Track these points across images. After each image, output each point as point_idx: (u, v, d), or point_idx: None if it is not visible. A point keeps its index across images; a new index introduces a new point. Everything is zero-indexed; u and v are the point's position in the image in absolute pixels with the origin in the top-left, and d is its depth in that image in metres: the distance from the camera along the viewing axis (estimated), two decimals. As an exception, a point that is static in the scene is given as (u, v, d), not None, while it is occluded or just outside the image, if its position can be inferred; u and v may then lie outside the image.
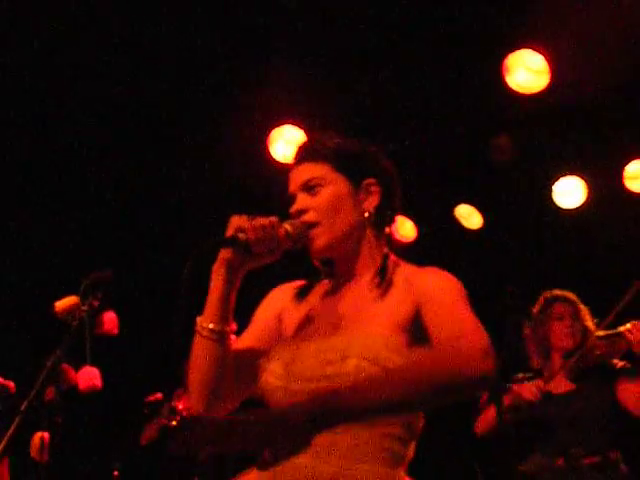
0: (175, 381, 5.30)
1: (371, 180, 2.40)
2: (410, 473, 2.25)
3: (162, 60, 5.68)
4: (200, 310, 2.32)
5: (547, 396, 4.73)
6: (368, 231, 2.39)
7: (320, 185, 2.36)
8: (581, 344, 4.77)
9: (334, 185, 2.37)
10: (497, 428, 4.63)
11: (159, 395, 5.80)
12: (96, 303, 3.09)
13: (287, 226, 2.31)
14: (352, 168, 2.39)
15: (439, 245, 6.24)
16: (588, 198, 6.36)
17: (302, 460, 2.16)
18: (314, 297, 2.45)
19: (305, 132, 6.13)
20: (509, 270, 6.17)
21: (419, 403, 2.11)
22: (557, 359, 4.83)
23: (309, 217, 2.35)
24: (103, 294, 3.10)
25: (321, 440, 2.14)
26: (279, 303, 2.47)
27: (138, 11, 5.43)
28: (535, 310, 4.94)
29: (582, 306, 4.88)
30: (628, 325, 4.66)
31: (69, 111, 5.90)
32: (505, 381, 4.69)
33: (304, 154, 2.43)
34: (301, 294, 2.46)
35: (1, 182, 6.08)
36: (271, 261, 2.33)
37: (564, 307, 4.87)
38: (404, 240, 6.42)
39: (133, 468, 5.95)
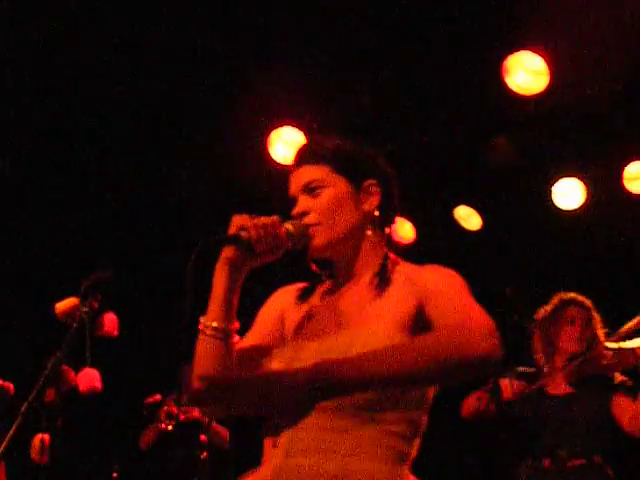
0: (173, 384, 5.32)
1: (371, 181, 2.41)
2: (414, 471, 2.26)
3: (162, 60, 5.68)
4: (203, 310, 2.33)
5: (540, 396, 4.75)
6: (368, 231, 2.40)
7: (321, 187, 2.38)
8: (586, 351, 4.76)
9: (334, 187, 2.38)
10: (482, 415, 4.67)
11: (158, 397, 5.81)
12: (96, 305, 3.08)
13: (288, 225, 2.33)
14: (352, 169, 2.40)
15: (438, 246, 6.23)
16: (587, 199, 6.35)
17: (306, 459, 2.18)
18: (316, 298, 2.47)
19: (304, 133, 6.13)
20: (508, 271, 6.17)
21: (423, 378, 2.10)
22: (559, 361, 4.83)
23: (311, 219, 2.36)
24: (103, 296, 3.10)
25: (325, 438, 2.17)
26: (281, 304, 2.49)
27: (138, 11, 5.43)
28: (548, 309, 4.93)
29: (595, 314, 4.86)
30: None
31: (69, 111, 5.90)
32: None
33: (304, 156, 2.45)
34: (303, 295, 2.48)
35: (1, 182, 6.07)
36: (273, 260, 2.35)
37: (578, 311, 4.86)
38: (403, 241, 6.43)
39: (132, 469, 5.96)
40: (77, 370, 3.21)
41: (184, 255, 2.23)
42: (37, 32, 5.45)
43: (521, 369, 4.85)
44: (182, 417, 5.72)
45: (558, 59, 5.58)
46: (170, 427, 5.69)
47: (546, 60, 5.58)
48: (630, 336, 4.68)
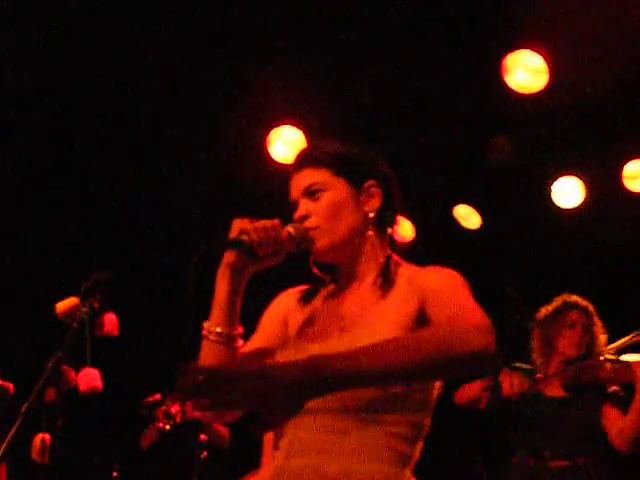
0: (173, 384, 5.30)
1: (372, 182, 2.41)
2: (416, 474, 2.25)
3: (162, 60, 5.69)
4: (205, 314, 2.33)
5: (536, 396, 4.76)
6: (370, 233, 2.40)
7: (321, 190, 2.38)
8: (583, 356, 4.77)
9: (335, 189, 2.38)
10: (475, 405, 4.68)
11: (158, 396, 5.81)
12: (96, 305, 3.09)
13: (290, 229, 2.33)
14: (352, 172, 2.40)
15: (437, 245, 6.23)
16: (587, 198, 6.35)
17: (307, 459, 2.18)
18: (319, 300, 2.47)
19: (304, 133, 6.14)
20: (508, 270, 6.17)
21: (416, 373, 2.02)
22: (556, 363, 4.83)
23: (312, 222, 2.36)
24: (103, 296, 3.11)
25: (326, 439, 2.17)
26: (285, 307, 2.49)
27: (138, 11, 5.43)
28: (550, 309, 4.94)
29: (597, 319, 4.86)
30: (639, 360, 4.65)
31: (69, 111, 5.90)
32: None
33: (304, 160, 2.45)
34: (306, 298, 2.48)
35: (1, 182, 6.08)
36: (274, 264, 2.35)
37: (579, 316, 4.85)
38: (402, 240, 6.43)
39: (132, 469, 5.96)
40: (77, 370, 3.21)
41: (184, 255, 2.23)
42: (37, 32, 5.45)
43: (518, 364, 4.86)
44: (178, 419, 5.72)
45: (557, 58, 5.58)
46: (168, 427, 5.68)
47: (545, 59, 5.59)
48: (625, 350, 4.70)
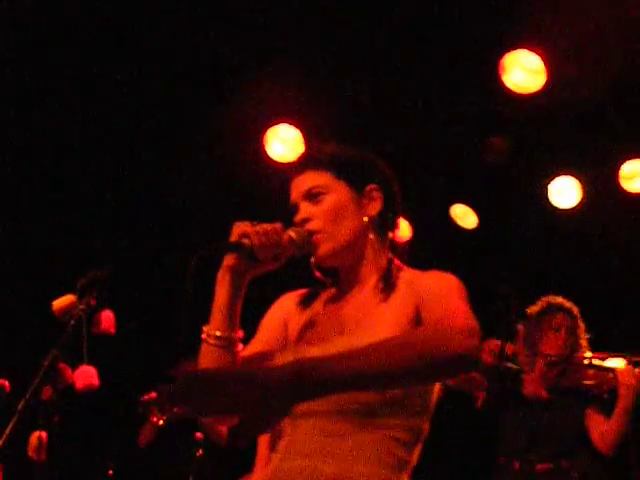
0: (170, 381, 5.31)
1: (373, 186, 2.41)
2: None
3: (162, 60, 5.70)
4: (204, 317, 2.33)
5: (520, 398, 4.78)
6: (372, 236, 2.39)
7: (322, 193, 2.37)
8: (566, 357, 4.79)
9: (336, 192, 2.38)
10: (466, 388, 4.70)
11: (154, 394, 5.80)
12: (93, 302, 3.09)
13: (291, 233, 2.32)
14: (353, 175, 2.40)
15: (434, 245, 6.22)
16: (584, 198, 6.34)
17: (304, 461, 2.18)
18: (319, 304, 2.46)
19: (301, 131, 6.15)
20: (504, 270, 6.18)
21: (395, 377, 1.96)
22: (540, 365, 4.85)
23: (313, 225, 2.35)
24: (100, 293, 3.12)
25: (324, 442, 2.17)
26: (285, 310, 2.48)
27: (138, 11, 5.44)
28: (534, 311, 4.95)
29: (581, 322, 4.89)
30: (622, 366, 4.67)
31: (69, 111, 5.91)
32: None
33: (304, 163, 2.44)
34: (306, 301, 2.47)
35: (1, 182, 6.09)
36: (275, 268, 2.34)
37: (564, 319, 4.87)
38: (399, 240, 6.41)
39: (128, 467, 5.97)
40: (74, 367, 3.21)
41: (182, 253, 2.23)
42: (37, 32, 5.47)
43: (507, 365, 4.87)
44: (171, 413, 5.69)
45: (555, 58, 5.58)
46: (161, 422, 5.68)
47: (543, 59, 5.59)
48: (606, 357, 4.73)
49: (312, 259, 2.39)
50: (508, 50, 5.62)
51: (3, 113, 5.78)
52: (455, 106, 5.91)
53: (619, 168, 6.19)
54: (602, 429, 4.63)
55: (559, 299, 4.93)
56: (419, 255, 2.56)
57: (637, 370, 4.64)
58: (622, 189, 6.21)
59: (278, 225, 2.30)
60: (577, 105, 5.81)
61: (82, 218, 6.38)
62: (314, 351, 2.23)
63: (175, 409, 5.54)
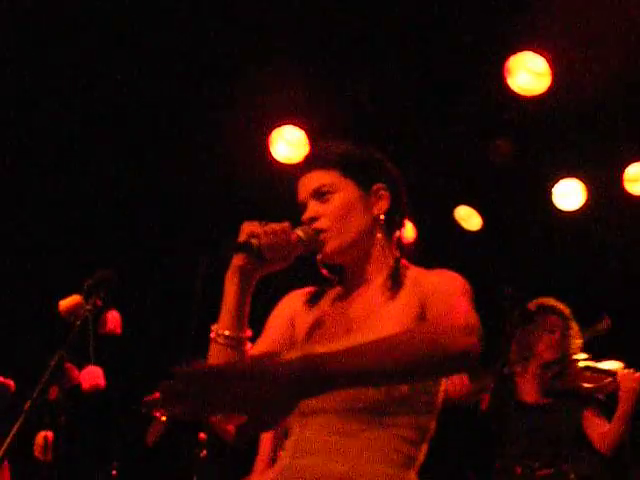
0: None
1: (380, 185, 2.41)
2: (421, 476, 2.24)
3: (162, 60, 5.69)
4: (212, 317, 2.32)
5: (516, 403, 4.76)
6: (379, 235, 2.39)
7: (330, 192, 2.37)
8: (560, 359, 4.78)
9: (344, 191, 2.38)
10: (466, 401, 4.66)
11: (158, 395, 5.77)
12: (99, 302, 3.08)
13: (299, 232, 2.32)
14: (361, 174, 2.40)
15: (438, 246, 6.21)
16: (588, 200, 6.35)
17: (313, 460, 2.17)
18: (326, 302, 2.46)
19: (306, 132, 6.14)
20: (508, 272, 6.17)
21: (394, 373, 1.94)
22: (534, 367, 4.86)
23: (321, 224, 2.35)
24: (106, 293, 3.09)
25: (332, 440, 2.17)
26: (292, 309, 2.48)
27: (138, 11, 5.43)
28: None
29: (574, 323, 4.90)
30: (623, 370, 4.67)
31: (69, 111, 5.90)
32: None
33: (312, 162, 2.44)
34: (313, 300, 2.47)
35: (1, 182, 6.07)
36: (283, 267, 2.34)
37: (557, 321, 4.88)
38: (403, 241, 6.40)
39: (132, 467, 5.96)
40: (80, 368, 3.20)
41: (187, 254, 2.21)
42: (37, 32, 5.45)
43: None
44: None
45: (560, 60, 5.59)
46: (164, 417, 5.65)
47: (548, 61, 5.60)
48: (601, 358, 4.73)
49: (319, 256, 2.39)
50: (513, 52, 5.63)
51: (3, 113, 5.76)
52: (460, 108, 5.91)
53: (624, 171, 6.20)
54: (602, 430, 4.65)
55: (551, 300, 4.95)
56: (423, 257, 2.55)
57: (638, 374, 4.63)
58: (626, 191, 6.23)
59: (286, 225, 2.30)
60: (582, 107, 5.82)
61: (83, 218, 6.36)
62: (321, 350, 2.20)
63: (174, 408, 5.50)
